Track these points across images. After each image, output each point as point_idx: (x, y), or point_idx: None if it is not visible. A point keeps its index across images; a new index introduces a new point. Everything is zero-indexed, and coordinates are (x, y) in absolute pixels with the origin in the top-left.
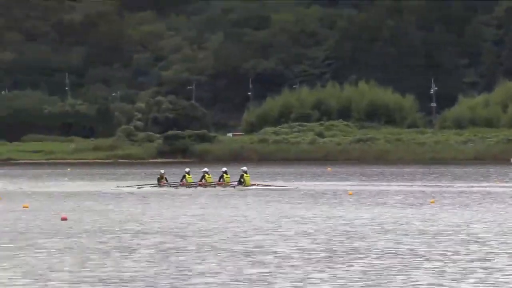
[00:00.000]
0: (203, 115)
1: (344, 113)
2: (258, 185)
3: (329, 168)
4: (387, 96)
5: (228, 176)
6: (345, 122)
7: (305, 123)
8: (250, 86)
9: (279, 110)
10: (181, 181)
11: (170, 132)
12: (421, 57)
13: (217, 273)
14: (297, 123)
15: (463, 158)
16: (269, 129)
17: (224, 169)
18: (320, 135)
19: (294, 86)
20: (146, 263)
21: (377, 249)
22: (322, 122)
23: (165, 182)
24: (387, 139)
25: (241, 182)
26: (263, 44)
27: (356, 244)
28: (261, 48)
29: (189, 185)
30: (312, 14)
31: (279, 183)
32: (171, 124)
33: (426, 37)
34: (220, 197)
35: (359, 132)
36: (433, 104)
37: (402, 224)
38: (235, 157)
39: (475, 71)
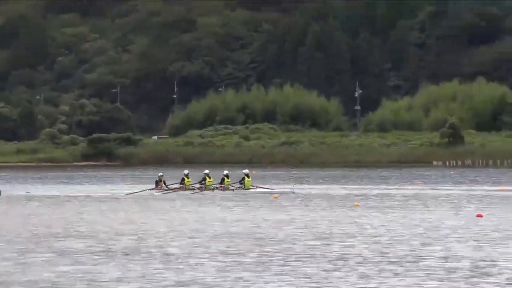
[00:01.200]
0: (127, 118)
1: (269, 116)
2: (257, 187)
3: (254, 171)
4: (312, 99)
5: (229, 180)
6: (270, 125)
7: (231, 126)
8: (176, 89)
9: (204, 113)
10: (181, 184)
11: (94, 135)
12: (346, 61)
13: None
14: (222, 126)
15: (386, 161)
16: (194, 132)
17: (226, 172)
18: (245, 138)
19: (219, 89)
20: None
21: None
22: (247, 125)
23: (163, 185)
24: (312, 142)
25: (242, 184)
26: (189, 47)
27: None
28: (186, 51)
29: (188, 188)
30: (238, 18)
31: (277, 186)
32: (95, 127)
33: (351, 41)
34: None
35: (284, 135)
36: (358, 108)
37: (315, 228)
38: (160, 160)
39: (399, 75)
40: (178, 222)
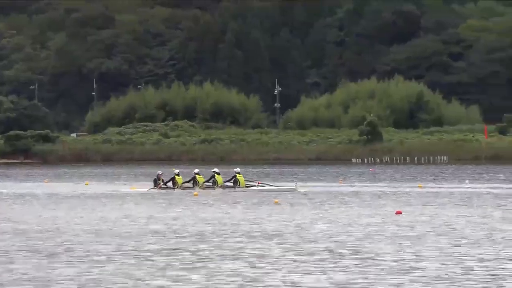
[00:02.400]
0: (45, 115)
1: (189, 113)
2: (259, 184)
3: (173, 169)
4: (231, 97)
5: (220, 176)
6: (190, 123)
7: (150, 124)
8: (94, 86)
9: (123, 110)
10: (172, 183)
11: (11, 132)
12: (265, 59)
13: None
14: (141, 124)
15: (306, 158)
16: (113, 129)
17: (216, 169)
18: (165, 135)
19: (139, 86)
20: None
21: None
22: (167, 122)
23: (162, 184)
24: (232, 139)
25: (235, 183)
26: (107, 44)
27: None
28: (105, 48)
29: (180, 187)
30: (157, 14)
31: (277, 183)
32: (12, 124)
33: (270, 39)
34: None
35: (204, 133)
36: (277, 105)
37: (236, 225)
38: (79, 158)
39: (318, 73)
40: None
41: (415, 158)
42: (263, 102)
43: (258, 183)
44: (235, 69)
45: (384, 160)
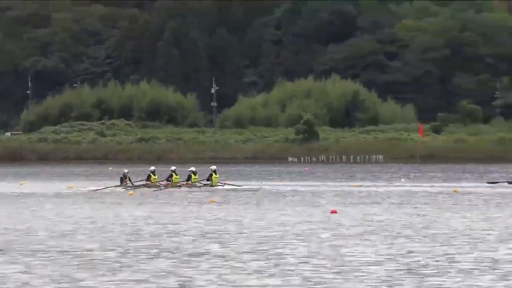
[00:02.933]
0: None
1: (126, 112)
2: (225, 184)
3: (110, 168)
4: (168, 95)
5: (196, 177)
6: (127, 122)
7: (86, 122)
8: (30, 84)
9: (59, 109)
10: (147, 181)
11: None
12: (203, 57)
13: None
14: (77, 122)
15: (243, 157)
16: (49, 128)
17: (193, 168)
18: (101, 134)
19: (75, 85)
20: None
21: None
22: (103, 121)
23: (128, 182)
24: (168, 138)
25: (209, 181)
26: (43, 42)
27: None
28: (41, 46)
29: (153, 185)
30: (93, 13)
31: (246, 183)
32: None
33: (208, 38)
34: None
35: (140, 131)
36: (214, 104)
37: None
38: (13, 157)
39: (255, 72)
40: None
41: (351, 157)
42: (200, 101)
43: (224, 183)
44: (173, 68)
45: (320, 159)
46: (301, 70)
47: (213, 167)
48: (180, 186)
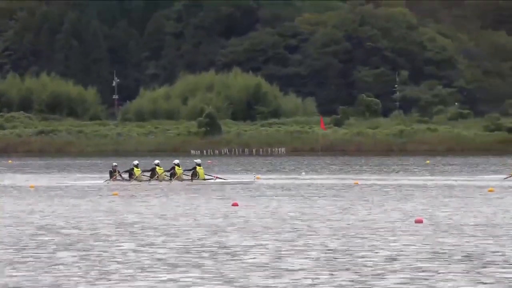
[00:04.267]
0: None
1: (26, 105)
2: (217, 178)
3: (9, 161)
4: (69, 88)
5: (180, 168)
6: (27, 114)
7: None
8: None
9: None
10: (130, 175)
11: None
12: (103, 50)
13: None
14: None
15: (144, 150)
16: None
17: (176, 161)
18: (1, 127)
19: None
20: None
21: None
22: (2, 113)
23: (118, 175)
24: (69, 131)
25: (194, 175)
26: None
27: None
28: None
29: (139, 179)
30: None
31: (237, 176)
32: None
33: (108, 30)
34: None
35: (40, 124)
36: (115, 97)
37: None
38: None
39: (157, 64)
40: None
41: (254, 150)
42: (102, 93)
43: (216, 177)
44: (73, 60)
45: (223, 152)
46: (203, 63)
47: (198, 160)
48: (171, 180)
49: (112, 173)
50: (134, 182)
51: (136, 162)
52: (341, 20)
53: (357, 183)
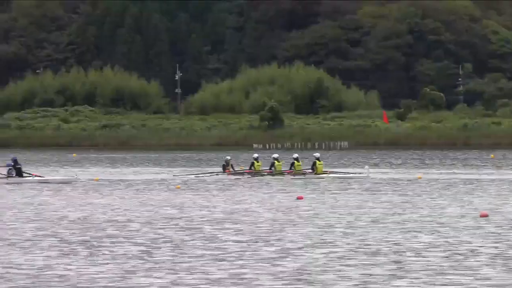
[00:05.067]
0: None
1: (90, 98)
2: (329, 172)
3: (74, 155)
4: (132, 82)
5: (300, 163)
6: (91, 108)
7: (49, 109)
8: None
9: (22, 96)
10: (250, 168)
11: None
12: (166, 44)
13: None
14: (41, 109)
15: (207, 143)
16: (12, 114)
17: (296, 155)
18: (65, 121)
19: (37, 71)
20: None
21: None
22: (67, 107)
23: (231, 169)
24: (133, 125)
25: (313, 170)
26: (4, 28)
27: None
28: (1, 32)
29: (257, 172)
30: None
31: (350, 170)
32: None
33: (170, 24)
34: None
35: (104, 118)
36: (178, 90)
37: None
38: None
39: (218, 58)
40: None
41: (316, 144)
42: (164, 87)
43: (329, 171)
44: (135, 53)
45: (285, 146)
46: (264, 56)
47: (317, 154)
48: (283, 174)
49: (225, 167)
50: (249, 175)
51: (256, 155)
52: (403, 13)
53: (420, 177)
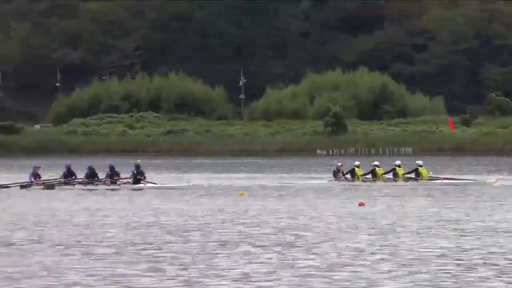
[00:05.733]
0: (9, 106)
1: (154, 104)
2: (444, 178)
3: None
4: (196, 87)
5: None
6: (155, 114)
7: (115, 115)
8: (59, 76)
9: (88, 101)
10: (352, 175)
11: None
12: (230, 49)
13: None
14: (106, 115)
15: (271, 149)
16: (78, 120)
17: (377, 162)
18: (130, 126)
19: (103, 77)
20: None
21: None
22: (132, 113)
23: (342, 176)
24: (197, 130)
25: (418, 175)
26: (71, 34)
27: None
28: (69, 38)
29: (359, 179)
30: (121, 4)
31: (468, 176)
32: None
33: (235, 29)
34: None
35: (169, 124)
36: (242, 96)
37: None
38: (43, 149)
39: (283, 63)
40: None
41: (380, 150)
42: (228, 93)
43: (443, 177)
44: (199, 59)
45: (349, 152)
46: (328, 61)
47: (419, 161)
48: (385, 180)
49: (336, 173)
50: (356, 182)
51: (357, 162)
52: (470, 18)
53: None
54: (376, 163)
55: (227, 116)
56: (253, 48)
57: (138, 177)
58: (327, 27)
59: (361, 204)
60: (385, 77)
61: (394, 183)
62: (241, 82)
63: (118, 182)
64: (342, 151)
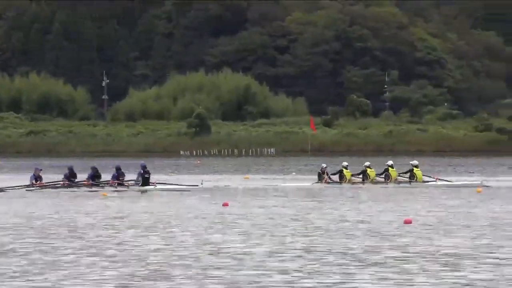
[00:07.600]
0: None
1: (15, 105)
2: (437, 179)
3: (1, 162)
4: (59, 88)
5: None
6: (16, 115)
7: None
8: None
9: None
10: (340, 177)
11: None
12: (94, 49)
13: None
14: None
15: (134, 150)
16: None
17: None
18: None
19: None
20: None
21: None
22: None
23: (327, 178)
24: (59, 131)
25: (412, 177)
26: None
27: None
28: None
29: (348, 181)
30: None
31: (455, 178)
32: None
33: (99, 30)
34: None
35: (30, 124)
36: (105, 97)
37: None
38: None
39: (147, 64)
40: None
41: (243, 151)
42: (91, 93)
43: (437, 178)
44: (63, 59)
45: (212, 153)
46: (192, 63)
47: (415, 162)
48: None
49: (320, 175)
50: (344, 184)
51: (345, 163)
52: (331, 20)
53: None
54: (367, 163)
55: (89, 117)
56: (116, 48)
57: (146, 176)
58: (191, 28)
59: (225, 205)
60: (248, 78)
61: (361, 185)
62: (103, 83)
63: (125, 184)
64: (206, 152)
